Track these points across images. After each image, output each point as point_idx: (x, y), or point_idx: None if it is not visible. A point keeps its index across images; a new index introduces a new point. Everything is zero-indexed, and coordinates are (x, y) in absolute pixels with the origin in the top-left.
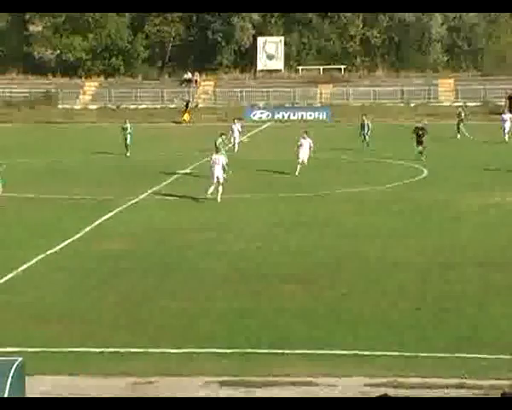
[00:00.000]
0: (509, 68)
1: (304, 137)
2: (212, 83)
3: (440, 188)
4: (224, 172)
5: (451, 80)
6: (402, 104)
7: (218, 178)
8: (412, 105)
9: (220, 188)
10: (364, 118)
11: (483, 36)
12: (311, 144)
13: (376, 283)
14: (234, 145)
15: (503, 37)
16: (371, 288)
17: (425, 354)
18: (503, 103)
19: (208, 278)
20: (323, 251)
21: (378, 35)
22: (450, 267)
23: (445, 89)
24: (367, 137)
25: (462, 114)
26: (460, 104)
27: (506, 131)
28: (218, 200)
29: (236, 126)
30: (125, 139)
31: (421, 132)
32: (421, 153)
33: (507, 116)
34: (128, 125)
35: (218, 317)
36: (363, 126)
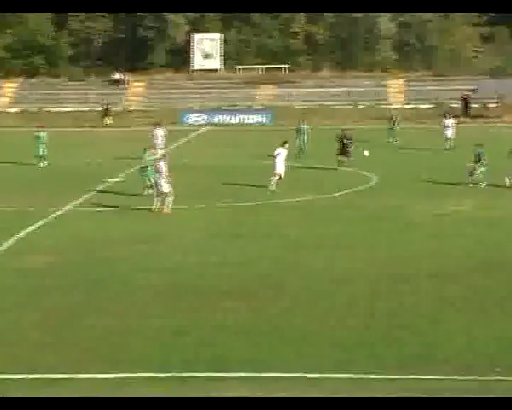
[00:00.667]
0: (464, 68)
1: (283, 146)
2: (143, 84)
3: (391, 196)
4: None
5: (401, 81)
6: (350, 106)
7: (161, 187)
8: (360, 107)
9: (169, 198)
10: (302, 122)
11: (435, 33)
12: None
13: (323, 297)
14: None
15: (457, 34)
16: (317, 302)
17: (374, 376)
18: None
19: (140, 294)
20: (266, 263)
21: (323, 32)
22: (402, 280)
23: (395, 90)
24: (305, 143)
25: (394, 118)
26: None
27: (449, 136)
28: (168, 211)
29: (159, 132)
30: (39, 149)
31: (346, 141)
32: (341, 162)
33: (449, 122)
34: (42, 133)
35: (151, 336)
36: (300, 131)
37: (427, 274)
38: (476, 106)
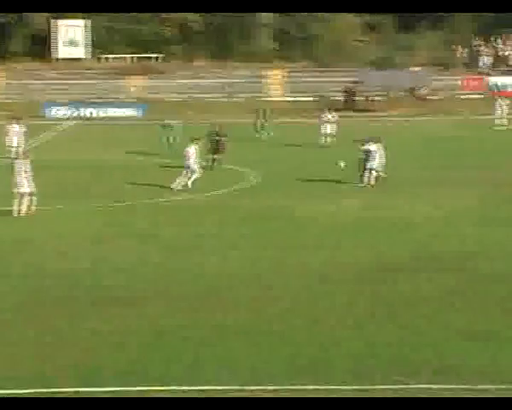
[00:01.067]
0: (347, 58)
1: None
2: (2, 74)
3: (274, 195)
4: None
5: (281, 72)
6: (226, 99)
7: (22, 187)
8: (237, 100)
9: (27, 199)
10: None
11: (317, 22)
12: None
13: (203, 300)
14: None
15: (340, 23)
16: (205, 305)
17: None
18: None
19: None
20: (149, 268)
21: (198, 19)
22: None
23: (274, 82)
24: (171, 138)
25: (261, 113)
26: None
27: (328, 132)
28: (31, 212)
29: (15, 128)
30: None
31: (218, 139)
32: (214, 160)
33: (329, 116)
34: None
35: (12, 351)
36: (167, 127)
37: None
38: (360, 99)
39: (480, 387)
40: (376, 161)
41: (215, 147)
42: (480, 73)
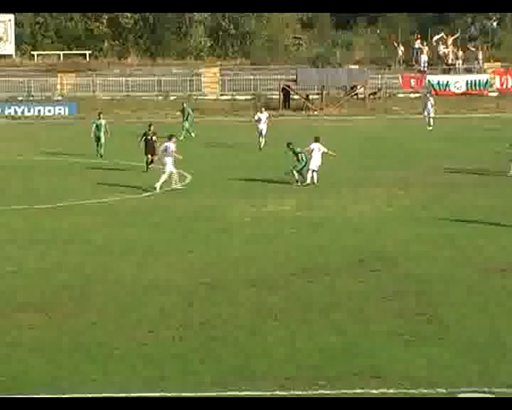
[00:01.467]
0: (283, 56)
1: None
2: None
3: (206, 196)
4: None
5: (216, 69)
6: (160, 97)
7: None
8: (172, 98)
9: None
10: (100, 117)
11: (252, 18)
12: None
13: (132, 308)
14: None
15: (275, 19)
16: (126, 314)
17: (190, 395)
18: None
19: None
20: (68, 272)
21: (129, 15)
22: (219, 288)
23: (210, 80)
24: (102, 138)
25: (186, 111)
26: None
27: (263, 133)
28: None
29: None
30: None
31: (152, 136)
32: (150, 162)
33: (263, 116)
34: None
35: None
36: (98, 127)
37: (246, 281)
38: (297, 97)
39: (406, 391)
40: (314, 161)
41: (151, 147)
42: (419, 72)
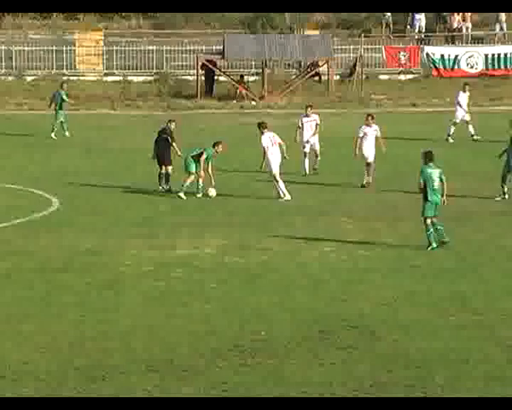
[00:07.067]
0: (202, 16)
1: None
2: None
3: (82, 230)
4: None
5: (98, 35)
6: (10, 77)
7: None
8: (30, 79)
9: None
10: None
11: None
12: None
13: None
14: None
15: None
16: None
17: None
18: None
19: None
20: None
21: None
22: (104, 378)
23: (88, 51)
24: None
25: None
26: None
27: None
28: None
29: None
30: None
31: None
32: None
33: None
34: None
35: None
36: None
37: (143, 367)
38: (224, 79)
39: None
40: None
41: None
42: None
